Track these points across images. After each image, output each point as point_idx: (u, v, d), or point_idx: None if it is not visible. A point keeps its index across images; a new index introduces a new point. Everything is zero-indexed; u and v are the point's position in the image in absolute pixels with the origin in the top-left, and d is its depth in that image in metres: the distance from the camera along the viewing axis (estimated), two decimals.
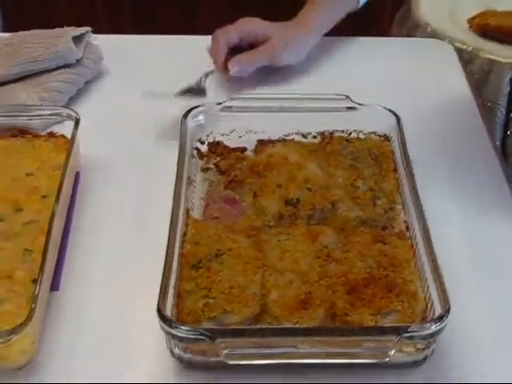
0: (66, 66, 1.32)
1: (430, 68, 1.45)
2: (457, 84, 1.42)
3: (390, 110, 1.17)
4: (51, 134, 1.17)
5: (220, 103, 1.18)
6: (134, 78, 1.41)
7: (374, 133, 1.18)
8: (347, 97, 1.18)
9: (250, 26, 1.39)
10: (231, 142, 1.18)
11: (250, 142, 1.18)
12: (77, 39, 1.34)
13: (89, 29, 1.39)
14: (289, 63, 1.40)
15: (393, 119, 1.15)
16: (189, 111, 1.16)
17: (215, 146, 1.17)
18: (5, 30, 1.57)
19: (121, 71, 1.42)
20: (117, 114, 1.32)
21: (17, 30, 1.43)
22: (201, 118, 1.17)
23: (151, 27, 1.60)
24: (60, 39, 1.32)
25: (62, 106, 1.22)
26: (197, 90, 1.30)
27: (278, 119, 1.18)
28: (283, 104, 1.19)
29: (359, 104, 1.17)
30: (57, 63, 1.31)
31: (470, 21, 1.48)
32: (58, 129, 1.17)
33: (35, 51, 1.31)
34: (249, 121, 1.18)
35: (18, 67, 1.30)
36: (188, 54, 1.44)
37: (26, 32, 1.40)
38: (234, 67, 1.35)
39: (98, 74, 1.39)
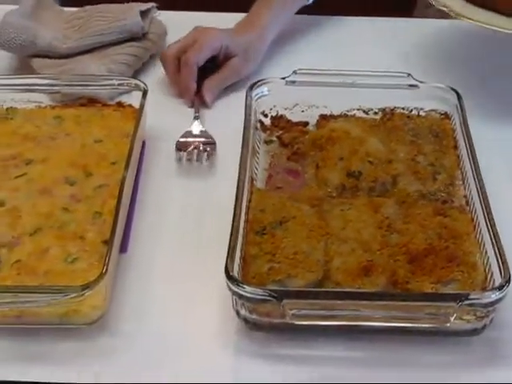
0: (132, 39, 1.35)
1: (490, 51, 1.46)
2: None
3: (452, 88, 1.17)
4: (119, 104, 1.20)
5: (284, 78, 1.19)
6: None
7: (434, 110, 1.19)
8: (409, 74, 1.19)
9: (214, 43, 1.31)
10: (294, 116, 1.20)
11: (312, 117, 1.19)
12: (143, 14, 1.37)
13: (154, 4, 1.42)
14: (250, 72, 1.35)
15: (454, 97, 1.16)
16: (254, 84, 1.17)
17: (278, 120, 1.19)
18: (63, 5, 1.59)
19: None
20: None
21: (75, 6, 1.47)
22: (265, 91, 1.18)
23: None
24: (127, 13, 1.35)
25: (129, 77, 1.25)
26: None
27: (341, 95, 1.19)
28: (346, 80, 1.20)
29: (420, 82, 1.18)
30: (124, 36, 1.34)
31: None
32: (125, 99, 1.20)
33: (103, 24, 1.34)
34: (311, 95, 1.19)
35: (86, 39, 1.33)
36: None
37: (94, 6, 1.43)
38: (210, 97, 1.30)
39: (162, 48, 1.40)
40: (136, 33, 1.35)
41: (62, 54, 1.32)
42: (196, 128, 1.22)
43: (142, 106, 1.14)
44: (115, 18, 1.35)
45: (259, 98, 1.18)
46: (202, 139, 1.19)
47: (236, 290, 0.84)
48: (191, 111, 1.25)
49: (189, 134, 1.20)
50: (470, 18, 1.28)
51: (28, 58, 1.33)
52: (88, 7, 1.43)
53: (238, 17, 1.46)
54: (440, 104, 1.19)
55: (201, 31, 1.34)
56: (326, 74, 1.22)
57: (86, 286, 0.84)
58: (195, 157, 1.17)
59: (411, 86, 1.19)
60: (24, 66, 1.34)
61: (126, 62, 1.32)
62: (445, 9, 1.30)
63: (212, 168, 1.17)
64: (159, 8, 1.44)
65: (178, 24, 1.45)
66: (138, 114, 1.13)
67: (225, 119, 1.22)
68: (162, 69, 1.35)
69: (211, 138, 1.20)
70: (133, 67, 1.34)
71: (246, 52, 1.34)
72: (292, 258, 0.92)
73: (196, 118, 1.24)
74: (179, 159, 1.17)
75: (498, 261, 0.89)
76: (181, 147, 1.18)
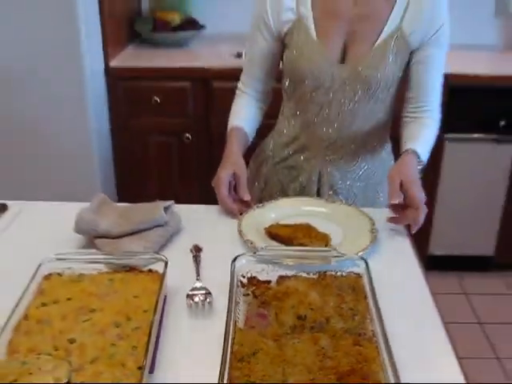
0: (159, 225, 1.37)
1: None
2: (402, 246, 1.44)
3: (362, 258, 1.20)
4: (150, 270, 1.20)
5: (255, 252, 1.21)
6: (200, 234, 1.42)
7: (352, 272, 1.19)
8: (335, 249, 1.23)
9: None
10: (262, 276, 1.19)
11: (274, 277, 1.20)
12: (166, 209, 1.40)
13: (173, 202, 1.45)
14: None
15: (363, 263, 1.18)
16: (235, 258, 1.18)
17: (251, 280, 1.19)
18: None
19: (192, 228, 1.45)
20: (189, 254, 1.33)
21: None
22: (243, 261, 1.19)
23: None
24: (156, 209, 1.38)
25: (156, 253, 1.26)
26: None
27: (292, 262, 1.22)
28: (295, 253, 1.23)
29: (342, 254, 1.21)
30: (154, 224, 1.36)
31: (265, 228, 1.40)
32: (154, 266, 1.20)
33: (141, 217, 1.37)
34: (273, 262, 1.21)
35: (130, 226, 1.35)
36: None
37: (135, 204, 1.46)
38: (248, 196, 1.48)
39: (178, 229, 1.43)
40: (161, 222, 1.37)
41: (115, 236, 1.34)
42: (198, 285, 1.21)
43: (164, 273, 1.15)
44: (148, 212, 1.37)
45: (239, 265, 1.18)
46: (203, 291, 1.19)
47: None
48: (195, 274, 1.25)
49: (194, 288, 1.20)
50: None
51: (93, 238, 1.35)
52: (131, 205, 1.47)
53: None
54: (355, 267, 1.20)
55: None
56: (283, 249, 1.25)
57: None
58: (200, 303, 1.17)
59: (336, 256, 1.21)
60: (90, 243, 1.35)
61: (156, 241, 1.34)
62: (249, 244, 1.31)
63: (211, 311, 1.16)
64: (176, 202, 1.47)
65: (187, 213, 1.48)
66: (162, 278, 1.14)
67: (218, 280, 1.21)
68: (178, 243, 1.38)
69: (209, 290, 1.19)
70: (159, 244, 1.35)
71: None
72: (261, 379, 0.92)
73: (198, 279, 1.23)
74: (190, 305, 1.17)
75: (394, 377, 0.90)
76: (190, 297, 1.18)
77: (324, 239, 1.34)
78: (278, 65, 1.66)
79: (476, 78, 2.74)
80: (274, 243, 1.35)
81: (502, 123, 2.79)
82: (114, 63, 2.75)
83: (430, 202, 2.90)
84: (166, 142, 2.83)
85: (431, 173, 2.84)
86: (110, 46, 2.73)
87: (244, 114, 1.65)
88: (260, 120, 1.71)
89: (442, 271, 3.03)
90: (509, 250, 3.05)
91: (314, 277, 1.19)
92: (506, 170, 2.89)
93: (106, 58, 2.73)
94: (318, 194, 1.68)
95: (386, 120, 1.64)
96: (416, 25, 1.49)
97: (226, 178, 1.48)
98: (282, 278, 1.19)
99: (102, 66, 2.72)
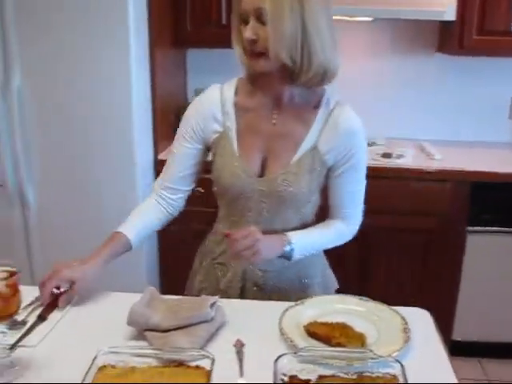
0: (205, 321, 1.35)
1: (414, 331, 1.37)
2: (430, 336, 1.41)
3: (397, 360, 1.17)
4: (197, 366, 1.19)
5: (296, 352, 1.18)
6: (243, 328, 1.38)
7: (388, 373, 1.16)
8: (371, 350, 1.20)
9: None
10: (302, 375, 1.17)
11: (313, 376, 1.17)
12: (211, 304, 1.38)
13: (217, 298, 1.42)
14: None
15: (399, 365, 1.15)
16: (278, 358, 1.16)
17: (292, 378, 1.16)
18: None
19: (236, 323, 1.42)
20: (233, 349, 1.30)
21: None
22: (285, 361, 1.16)
23: None
24: (202, 305, 1.37)
25: (202, 349, 1.24)
26: None
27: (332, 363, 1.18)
28: (334, 354, 1.19)
29: (380, 356, 1.18)
30: (200, 320, 1.35)
31: (304, 326, 1.36)
32: (200, 362, 1.18)
33: (187, 312, 1.36)
34: (313, 362, 1.18)
35: (177, 321, 1.34)
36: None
37: (182, 298, 1.47)
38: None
39: (223, 324, 1.41)
40: (207, 318, 1.36)
41: (164, 330, 1.33)
42: (241, 382, 1.19)
43: (211, 369, 1.14)
44: (195, 308, 1.36)
45: (281, 365, 1.16)
46: None
47: None
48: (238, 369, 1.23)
49: None
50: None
51: (144, 330, 1.34)
52: (179, 298, 1.46)
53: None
54: (391, 369, 1.16)
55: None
56: (321, 350, 1.22)
57: None
58: None
59: (372, 358, 1.17)
60: (140, 334, 1.35)
61: (202, 336, 1.32)
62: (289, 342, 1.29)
63: None
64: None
65: (231, 308, 1.46)
66: (209, 376, 1.13)
67: (260, 377, 1.18)
68: (223, 336, 1.35)
69: None
70: (205, 339, 1.32)
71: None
72: None
73: (241, 376, 1.20)
74: None
75: None
76: None
77: (360, 339, 1.31)
78: (197, 172, 1.65)
79: (495, 175, 2.76)
80: (313, 341, 1.33)
81: None
82: (162, 156, 2.83)
83: (455, 290, 2.87)
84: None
85: (455, 263, 2.82)
86: (159, 140, 2.83)
87: (138, 221, 1.62)
88: (157, 224, 1.68)
89: (464, 357, 2.93)
90: None
91: (353, 377, 1.17)
92: None
93: (156, 152, 2.81)
94: (243, 291, 1.63)
95: (307, 222, 1.63)
96: (331, 145, 1.53)
97: (60, 280, 1.45)
98: (321, 378, 1.17)
99: (152, 158, 2.81)
